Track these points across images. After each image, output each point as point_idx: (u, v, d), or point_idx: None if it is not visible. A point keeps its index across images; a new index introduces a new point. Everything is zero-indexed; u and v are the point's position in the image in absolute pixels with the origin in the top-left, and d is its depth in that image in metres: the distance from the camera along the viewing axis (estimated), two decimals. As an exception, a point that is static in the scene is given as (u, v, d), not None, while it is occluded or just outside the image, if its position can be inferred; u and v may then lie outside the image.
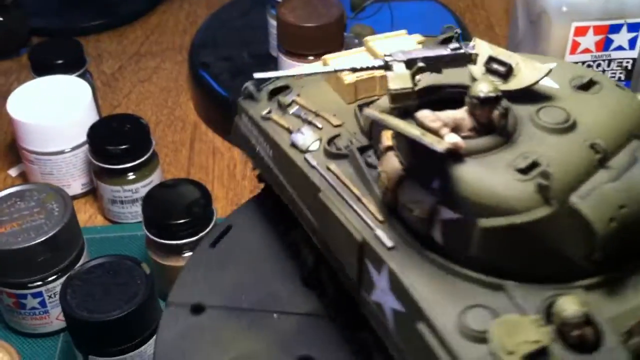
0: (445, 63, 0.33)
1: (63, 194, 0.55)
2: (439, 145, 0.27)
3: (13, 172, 0.70)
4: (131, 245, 0.61)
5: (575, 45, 0.64)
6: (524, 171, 0.28)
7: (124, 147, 0.61)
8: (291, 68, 0.67)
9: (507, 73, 0.30)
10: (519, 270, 0.29)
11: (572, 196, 0.28)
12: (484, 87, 0.29)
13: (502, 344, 0.26)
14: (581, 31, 0.63)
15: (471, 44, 0.33)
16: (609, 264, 0.29)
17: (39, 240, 0.52)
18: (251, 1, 0.82)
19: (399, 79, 0.32)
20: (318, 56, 0.66)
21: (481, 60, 0.33)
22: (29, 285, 0.53)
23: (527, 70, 0.30)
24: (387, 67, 0.32)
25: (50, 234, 0.52)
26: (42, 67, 0.69)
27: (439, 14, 0.81)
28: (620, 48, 0.64)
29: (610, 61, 0.65)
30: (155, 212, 0.55)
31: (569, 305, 0.27)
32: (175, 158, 0.71)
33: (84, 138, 0.63)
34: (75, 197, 0.66)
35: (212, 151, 0.71)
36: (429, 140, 0.28)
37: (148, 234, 0.55)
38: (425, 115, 0.29)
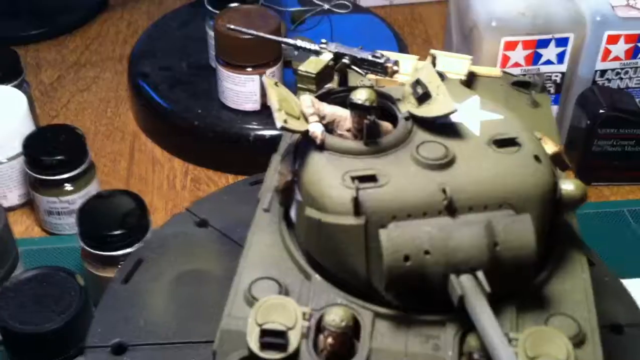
0: (366, 66, 0.35)
1: (-3, 205, 0.54)
2: (277, 121, 0.30)
3: (-53, 183, 0.69)
4: (68, 257, 0.61)
5: (505, 59, 0.66)
6: (354, 179, 0.29)
7: (59, 158, 0.60)
8: (229, 79, 0.68)
9: (422, 98, 0.32)
10: (327, 268, 0.31)
11: (392, 222, 0.29)
12: (360, 95, 0.30)
13: (255, 315, 0.28)
14: (511, 46, 0.65)
15: (429, 59, 0.35)
16: (409, 303, 0.30)
17: (-30, 252, 0.51)
18: (190, 12, 0.83)
19: (313, 63, 0.34)
20: (256, 67, 0.67)
21: (413, 77, 0.34)
22: (-38, 297, 0.52)
23: (440, 104, 0.31)
24: (317, 52, 0.35)
25: (-17, 246, 0.52)
26: (-23, 77, 0.68)
27: (377, 28, 0.82)
28: (549, 62, 0.67)
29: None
30: (91, 224, 0.55)
31: (335, 313, 0.28)
32: (114, 169, 0.71)
33: (20, 149, 0.62)
34: (12, 209, 0.66)
35: (151, 162, 0.71)
36: (275, 113, 0.30)
37: (83, 245, 0.55)
38: (304, 99, 0.32)
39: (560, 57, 0.66)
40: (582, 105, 0.66)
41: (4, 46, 0.73)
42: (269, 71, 0.68)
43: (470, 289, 0.27)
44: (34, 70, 0.82)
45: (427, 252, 0.28)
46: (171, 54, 0.77)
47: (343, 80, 0.36)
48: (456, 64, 0.40)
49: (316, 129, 0.31)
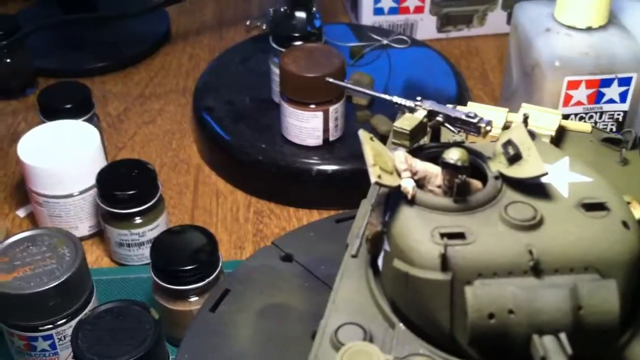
0: (459, 125, 0.36)
1: (74, 239, 0.57)
2: (372, 176, 0.31)
3: (21, 212, 0.71)
4: (137, 288, 0.63)
5: (568, 98, 0.67)
6: (442, 236, 0.30)
7: (131, 192, 0.62)
8: (293, 115, 0.69)
9: (513, 159, 0.33)
10: (412, 319, 0.32)
11: (477, 279, 0.30)
12: (453, 154, 0.31)
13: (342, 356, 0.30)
14: (573, 85, 0.66)
15: (520, 116, 0.36)
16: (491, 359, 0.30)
17: (51, 285, 0.53)
18: (252, 47, 0.85)
19: (407, 120, 0.35)
20: (319, 105, 0.69)
21: (505, 137, 0.35)
22: (40, 328, 0.54)
23: (531, 165, 0.32)
24: (412, 109, 0.36)
25: (62, 279, 0.54)
26: (50, 111, 0.71)
27: (434, 61, 0.84)
28: (611, 101, 0.67)
29: (602, 113, 0.68)
30: (163, 258, 0.56)
31: None
32: (179, 201, 0.73)
33: (92, 182, 0.65)
34: (82, 239, 0.68)
35: (215, 194, 0.73)
36: (370, 168, 0.32)
37: (155, 278, 0.57)
38: (398, 155, 0.33)
39: (623, 96, 0.67)
40: (644, 144, 0.66)
41: (73, 80, 0.76)
42: (332, 108, 0.69)
43: (553, 351, 0.28)
44: (101, 102, 0.85)
45: (511, 312, 0.29)
46: (234, 88, 0.79)
47: (435, 136, 0.37)
48: (546, 119, 0.41)
49: (408, 185, 0.32)
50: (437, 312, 0.31)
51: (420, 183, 0.33)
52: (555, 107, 0.67)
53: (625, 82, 0.66)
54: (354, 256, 0.35)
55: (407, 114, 0.36)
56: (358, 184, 0.39)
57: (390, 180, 0.32)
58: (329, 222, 0.48)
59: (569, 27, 0.67)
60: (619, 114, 0.68)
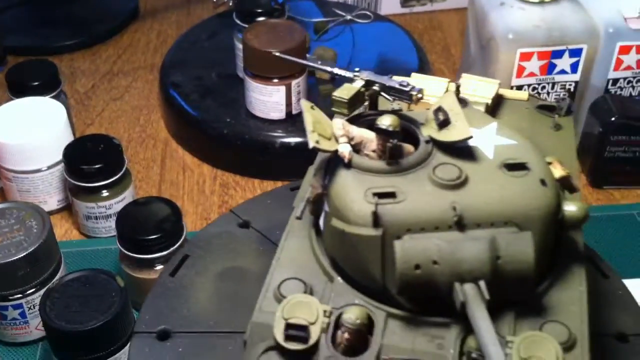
0: (393, 94, 0.38)
1: (41, 211, 0.58)
2: (310, 141, 0.34)
3: (-9, 188, 0.73)
4: (105, 259, 0.65)
5: (521, 69, 0.69)
6: (376, 195, 0.33)
7: (98, 166, 0.64)
8: (256, 90, 0.71)
9: (442, 124, 0.35)
10: (348, 272, 0.35)
11: (406, 234, 0.32)
12: (385, 121, 0.34)
13: (282, 310, 0.33)
14: (526, 57, 0.68)
15: (452, 86, 0.38)
16: (419, 306, 0.33)
17: (19, 256, 0.55)
18: (218, 23, 0.86)
19: (346, 90, 0.38)
20: (282, 79, 0.70)
21: (436, 105, 0.37)
22: (10, 297, 0.56)
23: (458, 130, 0.35)
24: (351, 79, 0.38)
25: (30, 250, 0.55)
26: (18, 88, 0.72)
27: (397, 36, 0.85)
28: (563, 72, 0.69)
29: (554, 84, 0.70)
30: (129, 229, 0.58)
31: (352, 312, 0.33)
32: (147, 175, 0.74)
33: (59, 157, 0.66)
34: (51, 213, 0.70)
35: (182, 167, 0.75)
36: (309, 134, 0.34)
37: (122, 248, 0.59)
38: (335, 122, 0.36)
39: (574, 67, 0.69)
40: (594, 112, 0.69)
41: (41, 58, 0.78)
42: (294, 82, 0.71)
43: (472, 297, 0.31)
44: (70, 79, 0.86)
45: (435, 262, 0.31)
46: (200, 64, 0.81)
47: (374, 105, 0.39)
48: (484, 88, 0.43)
49: (344, 149, 0.34)
50: (370, 265, 0.33)
51: (357, 148, 0.35)
52: (509, 78, 0.70)
53: (576, 53, 0.68)
54: (299, 218, 0.38)
55: (346, 84, 0.38)
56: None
57: (328, 145, 0.34)
58: (285, 190, 0.50)
59: (523, 1, 0.69)
60: (570, 85, 0.70)
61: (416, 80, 0.43)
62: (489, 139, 0.36)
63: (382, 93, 0.38)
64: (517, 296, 0.33)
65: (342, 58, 0.81)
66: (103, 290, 0.54)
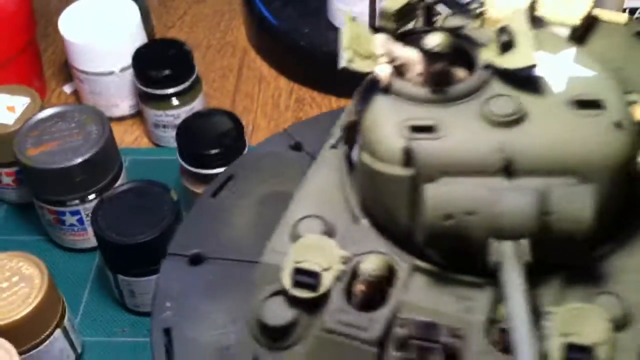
0: (448, 6, 0.33)
1: (102, 116, 0.57)
2: (342, 60, 0.29)
3: (67, 88, 0.72)
4: (169, 170, 0.63)
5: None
6: (411, 129, 0.28)
7: (166, 72, 0.62)
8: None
9: (505, 47, 0.29)
10: (374, 213, 0.30)
11: (439, 179, 0.27)
12: (432, 40, 0.28)
13: (294, 252, 0.29)
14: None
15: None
16: (450, 261, 0.28)
17: (75, 162, 0.54)
18: None
19: (395, 1, 0.32)
20: None
21: (503, 22, 0.32)
22: (68, 203, 0.56)
23: (522, 55, 0.29)
24: None
25: (87, 156, 0.54)
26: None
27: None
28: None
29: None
30: (189, 142, 0.56)
31: (371, 261, 0.28)
32: (221, 84, 0.71)
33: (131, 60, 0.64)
34: (123, 118, 0.68)
35: (258, 79, 0.72)
36: (342, 52, 0.30)
37: (181, 162, 0.56)
38: (377, 38, 0.30)
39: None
40: None
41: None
42: (380, -9, 0.65)
43: (508, 257, 0.26)
44: (154, -21, 0.83)
45: (470, 213, 0.26)
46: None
47: (429, 19, 0.34)
48: (573, 6, 0.36)
49: (381, 71, 0.29)
50: (398, 209, 0.29)
51: (401, 71, 0.30)
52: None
53: None
54: (333, 147, 0.33)
55: None
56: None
57: (363, 66, 0.30)
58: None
59: None
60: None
61: None
62: (562, 69, 0.30)
63: (437, 6, 0.33)
64: (569, 260, 0.28)
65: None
66: (156, 203, 0.52)
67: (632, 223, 0.30)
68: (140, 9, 0.67)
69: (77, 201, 0.56)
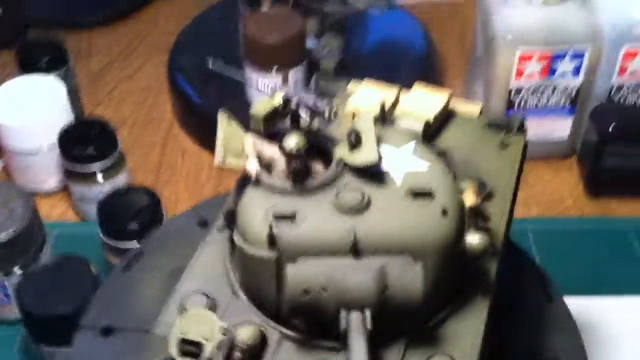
0: (307, 111, 0.38)
1: (26, 194, 0.60)
2: (216, 158, 0.35)
3: (-2, 164, 0.75)
4: (94, 243, 0.66)
5: (520, 71, 0.67)
6: (276, 217, 0.33)
7: (90, 150, 0.66)
8: (255, 78, 0.71)
9: (353, 145, 0.35)
10: (249, 288, 0.35)
11: (299, 260, 0.32)
12: (291, 141, 0.33)
13: (179, 324, 0.33)
14: (526, 57, 0.66)
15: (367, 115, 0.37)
16: (312, 330, 0.33)
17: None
18: (230, 6, 0.86)
19: (264, 105, 0.37)
20: (281, 67, 0.70)
21: (348, 125, 0.37)
22: (-7, 277, 0.59)
23: (367, 152, 0.34)
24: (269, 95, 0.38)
25: (10, 231, 0.57)
26: (27, 65, 0.74)
27: (408, 25, 0.84)
28: (564, 75, 0.67)
29: (554, 88, 0.68)
30: (108, 217, 0.60)
31: (244, 332, 0.33)
32: (146, 159, 0.76)
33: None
34: (51, 193, 0.72)
35: (181, 152, 0.76)
36: (217, 151, 0.35)
37: (102, 236, 0.60)
38: (246, 140, 0.36)
39: (576, 71, 0.67)
40: (594, 119, 0.66)
41: (57, 34, 0.79)
42: (292, 71, 0.71)
43: (353, 325, 0.31)
44: (86, 55, 0.87)
45: (324, 289, 0.31)
46: (208, 48, 0.81)
47: (296, 120, 0.39)
48: (430, 102, 0.42)
49: (251, 168, 0.34)
50: (265, 285, 0.33)
51: (269, 166, 0.35)
52: (508, 80, 0.68)
53: (578, 56, 0.66)
54: (220, 230, 0.38)
55: (266, 99, 0.37)
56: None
57: (235, 163, 0.35)
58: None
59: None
60: (572, 89, 0.68)
61: (416, 92, 0.42)
62: (403, 162, 0.35)
63: (299, 110, 0.38)
64: (407, 327, 0.33)
65: (352, 46, 0.80)
66: (76, 277, 0.56)
67: (465, 292, 0.35)
68: (69, 87, 0.71)
69: (1, 274, 0.59)
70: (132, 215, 0.59)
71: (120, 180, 0.68)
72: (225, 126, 0.35)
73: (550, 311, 0.43)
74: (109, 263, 0.61)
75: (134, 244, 0.59)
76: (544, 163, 0.72)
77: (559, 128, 0.70)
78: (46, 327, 0.55)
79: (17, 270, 0.59)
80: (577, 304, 0.45)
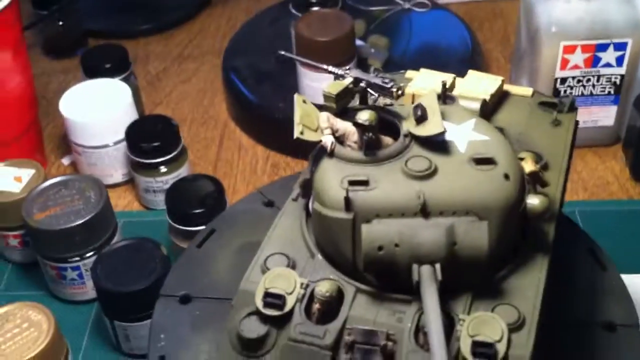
0: (376, 89, 0.41)
1: (100, 184, 0.64)
2: (295, 132, 0.38)
3: (65, 160, 0.80)
4: (159, 229, 0.70)
5: (565, 62, 0.70)
6: (350, 182, 0.36)
7: (155, 144, 0.70)
8: (307, 77, 0.75)
9: (419, 120, 0.38)
10: (325, 249, 0.38)
11: (375, 219, 0.35)
12: (363, 115, 0.37)
13: (264, 281, 0.37)
14: (569, 50, 0.69)
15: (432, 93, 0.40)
16: (385, 284, 0.36)
17: (76, 223, 0.61)
18: (281, 10, 0.90)
19: (335, 86, 0.41)
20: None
21: (417, 101, 0.40)
22: (69, 260, 0.63)
23: (433, 125, 0.38)
24: (342, 76, 0.41)
25: (87, 218, 0.62)
26: (92, 70, 0.79)
27: (452, 24, 0.87)
28: (608, 65, 0.70)
29: (599, 77, 0.71)
30: (176, 203, 0.64)
31: (323, 285, 0.36)
32: (205, 153, 0.80)
33: (124, 135, 0.72)
34: (116, 185, 0.76)
35: (238, 148, 0.80)
36: (295, 126, 0.38)
37: (170, 221, 0.64)
38: (321, 115, 0.39)
39: (620, 61, 0.69)
40: (638, 106, 0.69)
41: (118, 41, 0.84)
42: (343, 68, 0.74)
43: (425, 277, 0.34)
44: (143, 61, 0.92)
45: (396, 245, 0.35)
46: (260, 50, 0.85)
47: (363, 100, 0.42)
48: (485, 85, 0.45)
49: (326, 140, 0.38)
50: (342, 244, 0.37)
51: (341, 140, 0.39)
52: (553, 70, 0.70)
53: (621, 47, 0.68)
54: (294, 200, 0.41)
55: (336, 81, 0.41)
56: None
57: (312, 136, 0.38)
58: (309, 174, 0.54)
59: (569, -6, 0.70)
60: (616, 78, 0.70)
61: (471, 76, 0.46)
62: (464, 135, 0.38)
63: (368, 89, 0.41)
64: (472, 280, 0.36)
65: (397, 46, 0.84)
66: (148, 258, 0.60)
67: (526, 250, 0.38)
68: (132, 89, 0.76)
69: (77, 258, 0.63)
70: (198, 201, 0.63)
71: (182, 172, 0.72)
72: (301, 105, 0.39)
73: (604, 279, 0.45)
74: (175, 247, 0.65)
75: (199, 228, 0.63)
76: (590, 150, 0.74)
77: (604, 116, 0.72)
78: (120, 304, 0.59)
79: (91, 254, 0.63)
80: (625, 281, 0.47)
